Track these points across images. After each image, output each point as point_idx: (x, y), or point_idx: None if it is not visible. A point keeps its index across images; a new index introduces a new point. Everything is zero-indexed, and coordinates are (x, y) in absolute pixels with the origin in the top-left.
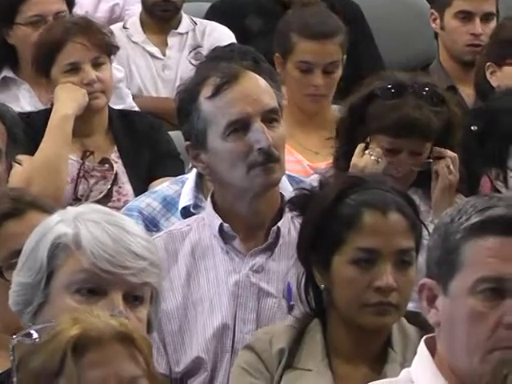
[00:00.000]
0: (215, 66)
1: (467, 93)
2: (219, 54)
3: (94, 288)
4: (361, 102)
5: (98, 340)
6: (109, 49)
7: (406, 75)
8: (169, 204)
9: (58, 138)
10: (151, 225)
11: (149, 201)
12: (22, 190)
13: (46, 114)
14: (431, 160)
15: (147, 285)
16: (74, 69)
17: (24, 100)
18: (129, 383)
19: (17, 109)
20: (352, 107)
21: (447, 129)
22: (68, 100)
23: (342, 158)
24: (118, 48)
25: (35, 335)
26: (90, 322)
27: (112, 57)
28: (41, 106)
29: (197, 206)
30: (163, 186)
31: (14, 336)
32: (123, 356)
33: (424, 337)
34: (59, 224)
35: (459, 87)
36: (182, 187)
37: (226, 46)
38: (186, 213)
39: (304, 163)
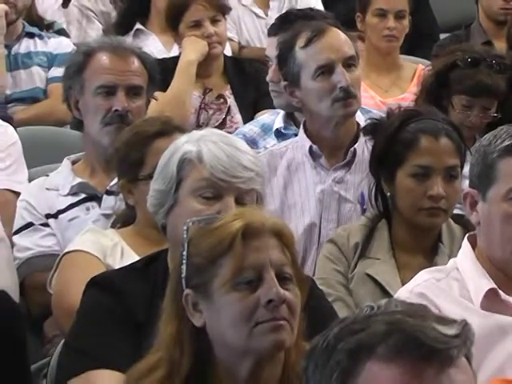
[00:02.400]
0: (307, 23)
1: (500, 46)
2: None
3: (212, 193)
4: (445, 69)
5: (259, 231)
6: (224, 9)
7: (481, 49)
8: (266, 128)
9: (184, 79)
10: (252, 143)
11: (251, 127)
12: (169, 117)
13: (175, 59)
14: (496, 114)
15: (253, 190)
16: (197, 25)
17: (152, 48)
18: (277, 267)
19: None
20: (437, 72)
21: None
22: (192, 49)
23: None
24: (230, 9)
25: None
26: (251, 217)
27: (226, 16)
28: (165, 53)
29: (286, 128)
30: (263, 116)
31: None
32: (275, 246)
33: (467, 234)
34: (186, 144)
35: (494, 42)
36: (277, 116)
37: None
38: (278, 133)
39: (376, 99)
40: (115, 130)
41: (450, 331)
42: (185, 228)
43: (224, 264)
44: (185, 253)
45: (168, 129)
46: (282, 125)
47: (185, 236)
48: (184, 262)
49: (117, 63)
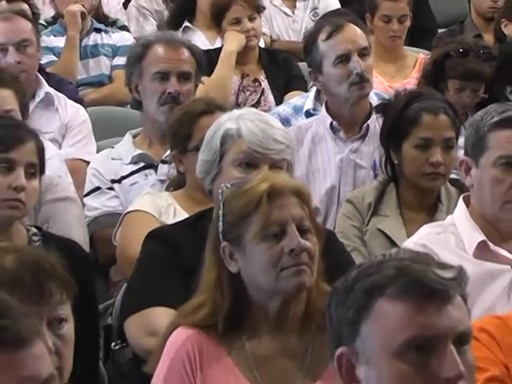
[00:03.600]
0: (327, 20)
1: (488, 39)
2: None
3: (249, 163)
4: (441, 58)
5: (281, 191)
6: (259, 9)
7: (471, 41)
8: (297, 109)
9: (226, 66)
10: (285, 122)
11: (284, 107)
12: (212, 98)
13: (217, 51)
14: (484, 95)
15: (284, 160)
16: (237, 22)
17: (198, 42)
18: (298, 222)
19: None
20: (435, 61)
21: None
22: (233, 41)
23: None
24: (264, 8)
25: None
26: (275, 180)
27: (261, 14)
28: (209, 46)
29: (315, 109)
30: (294, 99)
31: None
32: (296, 204)
33: (462, 195)
34: (227, 122)
35: (484, 35)
36: (306, 99)
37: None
38: (308, 114)
39: (385, 84)
40: (169, 109)
41: (448, 275)
42: (220, 191)
43: (253, 221)
44: (220, 211)
45: (211, 108)
46: (311, 106)
47: (220, 198)
48: (220, 219)
49: (170, 53)
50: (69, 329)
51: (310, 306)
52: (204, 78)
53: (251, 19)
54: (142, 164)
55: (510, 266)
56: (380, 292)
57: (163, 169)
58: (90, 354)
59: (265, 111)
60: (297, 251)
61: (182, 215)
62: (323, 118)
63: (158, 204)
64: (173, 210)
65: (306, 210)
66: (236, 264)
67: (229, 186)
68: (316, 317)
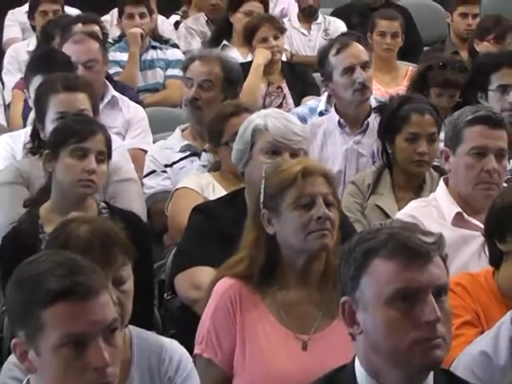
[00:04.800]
0: (337, 39)
1: (464, 55)
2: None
3: (274, 151)
4: (425, 70)
5: (312, 172)
6: (282, 30)
7: (449, 56)
8: (312, 110)
9: (255, 75)
10: (302, 120)
11: (302, 108)
12: (240, 101)
13: (249, 63)
14: (459, 100)
15: (301, 149)
16: (264, 40)
17: (233, 56)
18: (324, 196)
19: None
20: (420, 72)
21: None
22: (261, 56)
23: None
24: (286, 29)
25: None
26: (307, 163)
27: (283, 34)
28: (242, 60)
29: (327, 110)
30: (309, 102)
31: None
32: (323, 183)
33: (442, 177)
34: (256, 119)
35: (460, 52)
36: (319, 102)
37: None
38: (321, 113)
39: (382, 90)
40: (190, 110)
41: (430, 240)
42: (263, 170)
43: (289, 193)
44: (262, 186)
45: (239, 110)
46: (323, 108)
47: (263, 175)
48: (262, 192)
49: (199, 67)
50: (129, 285)
51: (328, 265)
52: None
53: (276, 38)
54: (188, 152)
55: (480, 233)
56: (375, 253)
57: (205, 156)
58: (148, 303)
59: (286, 112)
60: (322, 219)
61: (219, 191)
62: (332, 116)
63: (200, 182)
64: (212, 187)
65: (330, 188)
66: (273, 227)
67: (269, 166)
68: (332, 274)
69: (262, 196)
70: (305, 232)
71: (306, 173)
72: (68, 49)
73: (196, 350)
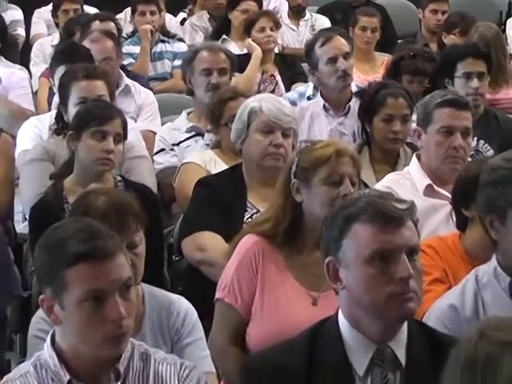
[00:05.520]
0: (321, 32)
1: (433, 46)
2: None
3: (267, 130)
4: (398, 60)
5: (343, 154)
6: (278, 23)
7: (419, 48)
8: (301, 95)
9: (254, 66)
10: (292, 103)
11: (292, 93)
12: (237, 87)
13: (245, 55)
14: (428, 85)
15: (291, 128)
16: (262, 30)
17: (232, 49)
18: (350, 177)
19: None
20: (394, 62)
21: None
22: (257, 52)
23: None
24: (281, 25)
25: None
26: (340, 145)
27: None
28: (239, 52)
29: (313, 95)
30: (299, 88)
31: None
32: (351, 164)
33: (415, 153)
34: (252, 102)
35: (430, 44)
36: (307, 88)
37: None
38: (308, 98)
39: (361, 77)
40: (212, 94)
41: (403, 206)
42: (298, 145)
43: (322, 170)
44: (296, 158)
45: (236, 95)
46: (311, 93)
47: (298, 149)
48: (295, 163)
49: (211, 56)
50: (141, 249)
51: None
52: (237, 74)
53: (272, 30)
54: (193, 133)
55: (447, 202)
56: (355, 218)
57: (207, 136)
58: (158, 264)
59: (278, 96)
60: (348, 196)
61: (220, 165)
62: (318, 101)
63: (203, 158)
64: (213, 162)
65: (355, 170)
66: (301, 196)
67: (302, 142)
68: None
69: (294, 167)
70: (331, 205)
71: (339, 154)
72: (86, 46)
73: (218, 295)
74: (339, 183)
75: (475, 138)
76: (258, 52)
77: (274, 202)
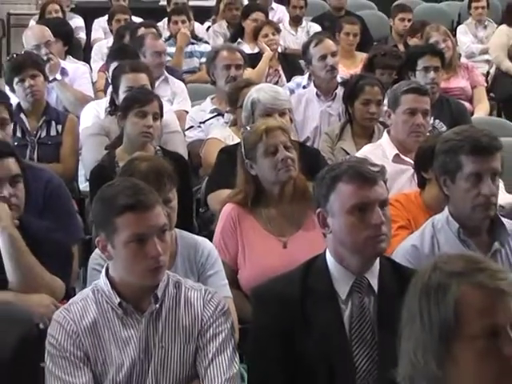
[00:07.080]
0: (315, 36)
1: (401, 47)
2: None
3: (267, 114)
4: (372, 57)
5: (273, 128)
6: (278, 29)
7: (389, 47)
8: (298, 84)
9: (264, 63)
10: (291, 91)
11: (291, 83)
12: (249, 79)
13: (256, 54)
14: (396, 77)
15: (286, 108)
16: (266, 35)
17: (245, 49)
18: (284, 144)
19: None
20: (369, 59)
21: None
22: (267, 52)
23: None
24: (281, 30)
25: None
26: (269, 124)
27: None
28: (250, 51)
29: (308, 84)
30: (296, 79)
31: (244, 128)
32: (281, 134)
33: (386, 129)
34: (253, 93)
35: (398, 45)
36: (303, 79)
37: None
38: (304, 87)
39: (345, 71)
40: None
41: (376, 169)
42: (241, 131)
43: (259, 146)
44: (242, 143)
45: (248, 84)
46: (306, 83)
47: (242, 136)
48: (242, 146)
49: (229, 54)
50: (174, 203)
51: (295, 188)
52: (250, 70)
53: (273, 34)
54: (215, 113)
55: (411, 167)
56: (339, 178)
57: (227, 116)
58: (189, 214)
59: (281, 86)
60: (285, 159)
61: (236, 139)
62: (312, 89)
63: (223, 134)
64: (231, 138)
65: (286, 136)
66: (254, 170)
67: (245, 129)
68: (298, 195)
69: (243, 150)
70: (276, 170)
71: (268, 129)
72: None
73: None
74: (275, 151)
75: (432, 118)
76: (267, 53)
77: (238, 178)
